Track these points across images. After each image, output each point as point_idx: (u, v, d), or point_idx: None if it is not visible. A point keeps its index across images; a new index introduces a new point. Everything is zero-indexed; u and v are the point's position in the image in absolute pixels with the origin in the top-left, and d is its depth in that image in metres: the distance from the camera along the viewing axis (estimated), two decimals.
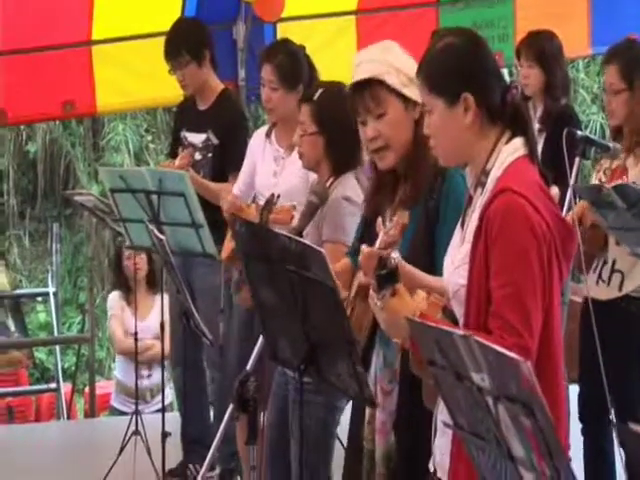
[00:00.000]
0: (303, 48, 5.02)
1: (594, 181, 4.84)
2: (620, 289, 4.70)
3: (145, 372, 7.55)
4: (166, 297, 6.09)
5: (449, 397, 2.34)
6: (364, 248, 2.99)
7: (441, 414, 2.73)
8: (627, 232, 4.50)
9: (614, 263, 4.72)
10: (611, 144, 4.71)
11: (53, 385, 8.71)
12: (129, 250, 7.43)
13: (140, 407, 7.31)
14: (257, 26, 7.00)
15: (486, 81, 2.78)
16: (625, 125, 4.77)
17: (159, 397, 7.34)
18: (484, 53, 2.84)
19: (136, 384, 6.33)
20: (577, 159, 4.55)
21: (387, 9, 7.31)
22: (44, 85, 6.78)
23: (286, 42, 5.23)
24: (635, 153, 4.70)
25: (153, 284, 7.65)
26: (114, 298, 7.85)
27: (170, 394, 7.41)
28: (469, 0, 7.41)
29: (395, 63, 3.29)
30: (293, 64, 4.88)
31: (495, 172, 2.75)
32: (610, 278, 4.73)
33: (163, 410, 4.82)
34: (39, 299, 12.75)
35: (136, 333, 6.20)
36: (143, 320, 7.58)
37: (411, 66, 3.16)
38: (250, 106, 7.43)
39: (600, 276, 4.75)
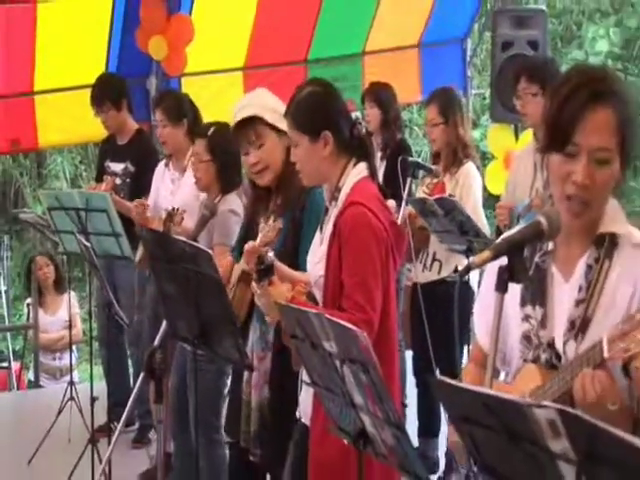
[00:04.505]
0: (186, 95, 5.22)
1: (419, 193, 4.92)
2: (439, 273, 4.81)
3: (57, 355, 7.48)
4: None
5: (308, 361, 2.34)
6: (249, 243, 2.99)
7: (304, 374, 2.74)
8: (446, 234, 4.59)
9: (434, 254, 4.82)
10: (434, 167, 4.82)
11: (5, 364, 8.50)
12: (40, 262, 7.47)
13: (49, 381, 7.28)
14: (165, 79, 6.94)
15: (339, 121, 2.81)
16: (442, 150, 4.87)
17: (67, 376, 7.11)
18: (337, 99, 2.87)
19: (70, 363, 6.23)
20: (409, 179, 4.63)
21: (268, 66, 7.30)
22: None
23: (170, 91, 5.60)
24: (450, 171, 4.82)
25: (60, 286, 7.56)
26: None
27: (76, 373, 7.40)
28: (329, 60, 7.50)
29: (269, 104, 3.26)
30: (176, 104, 5.00)
31: (345, 189, 2.78)
32: (432, 265, 4.83)
33: (91, 379, 4.73)
34: None
35: (70, 320, 6.17)
36: (53, 315, 7.52)
37: (279, 105, 3.16)
38: None
39: (425, 265, 4.84)
